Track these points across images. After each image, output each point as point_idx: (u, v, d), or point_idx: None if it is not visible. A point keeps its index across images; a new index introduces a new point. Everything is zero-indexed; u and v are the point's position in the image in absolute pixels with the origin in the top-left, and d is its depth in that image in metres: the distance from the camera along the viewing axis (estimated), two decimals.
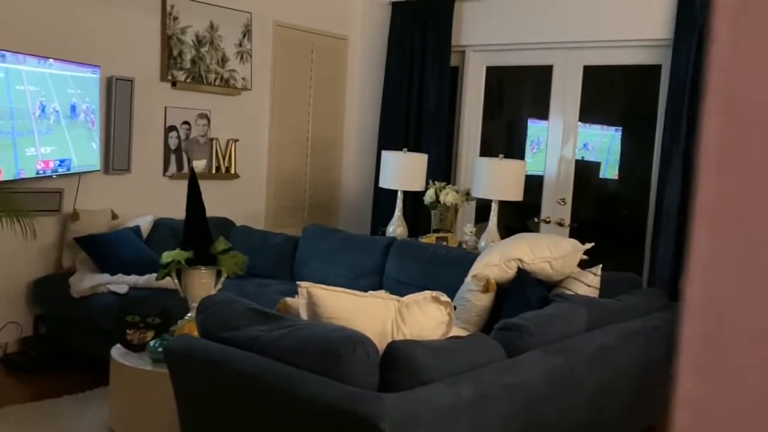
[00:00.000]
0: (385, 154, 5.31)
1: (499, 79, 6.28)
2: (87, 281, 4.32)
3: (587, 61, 5.52)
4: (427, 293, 2.52)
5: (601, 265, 3.58)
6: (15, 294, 4.58)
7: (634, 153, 6.15)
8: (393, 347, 2.22)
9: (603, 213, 6.50)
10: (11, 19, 4.35)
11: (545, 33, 5.55)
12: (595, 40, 5.36)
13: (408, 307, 2.47)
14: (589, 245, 3.68)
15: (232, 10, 5.52)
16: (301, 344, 2.21)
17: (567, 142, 5.64)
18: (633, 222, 5.60)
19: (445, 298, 2.53)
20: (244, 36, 5.62)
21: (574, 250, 3.62)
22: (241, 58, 5.62)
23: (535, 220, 5.67)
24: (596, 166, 6.54)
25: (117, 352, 3.26)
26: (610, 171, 6.31)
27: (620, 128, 6.30)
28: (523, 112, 6.67)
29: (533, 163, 5.86)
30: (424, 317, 2.48)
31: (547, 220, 5.61)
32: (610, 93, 6.28)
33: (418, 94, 6.06)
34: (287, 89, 6.05)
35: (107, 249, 4.50)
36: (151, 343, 3.18)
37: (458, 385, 2.20)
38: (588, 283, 3.48)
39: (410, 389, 2.11)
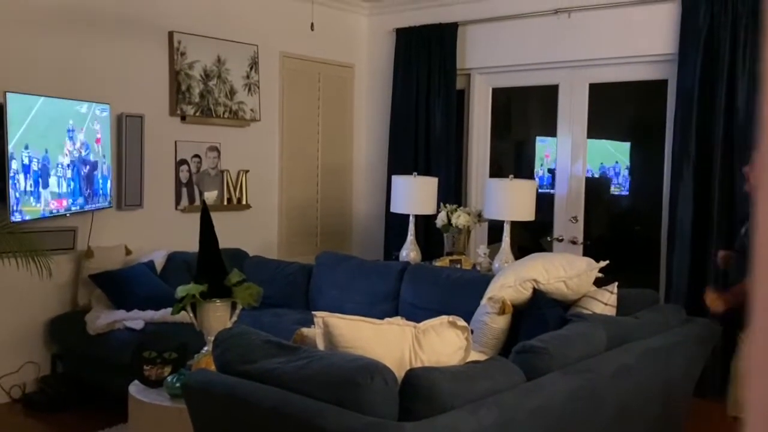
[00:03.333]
0: (395, 178, 5.31)
1: (505, 100, 6.30)
2: (103, 318, 4.32)
3: (593, 78, 5.53)
4: (444, 318, 2.50)
5: (617, 283, 3.55)
6: (32, 333, 4.59)
7: (644, 168, 6.13)
8: (412, 375, 2.20)
9: (616, 229, 6.47)
10: (21, 60, 4.41)
11: (549, 53, 5.57)
12: (599, 57, 5.37)
13: (425, 333, 2.46)
14: (603, 263, 3.65)
15: (238, 43, 5.57)
16: (319, 375, 2.19)
17: (576, 160, 5.63)
18: (646, 237, 5.58)
19: (462, 322, 2.51)
20: (251, 68, 5.66)
21: (589, 268, 3.59)
22: (249, 89, 5.66)
23: (548, 239, 5.65)
24: (606, 182, 6.52)
25: (135, 388, 3.24)
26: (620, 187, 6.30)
27: (629, 144, 6.29)
28: (531, 132, 6.68)
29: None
30: (441, 343, 2.46)
31: (560, 238, 5.59)
32: (618, 109, 6.28)
33: (425, 118, 6.08)
34: (296, 118, 6.09)
35: (122, 285, 4.51)
36: (169, 378, 3.16)
37: (480, 411, 2.17)
38: (605, 302, 3.45)
39: (431, 417, 2.09)
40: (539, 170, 6.18)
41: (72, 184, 4.39)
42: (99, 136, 4.61)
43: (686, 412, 3.57)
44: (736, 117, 4.66)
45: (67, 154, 4.33)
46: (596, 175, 6.02)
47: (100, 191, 4.66)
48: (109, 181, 4.71)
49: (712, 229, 4.74)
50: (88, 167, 4.52)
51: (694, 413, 3.72)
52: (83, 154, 4.47)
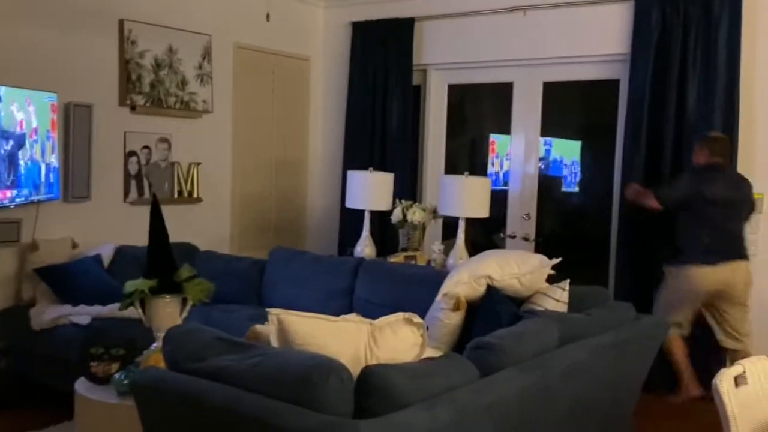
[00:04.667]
0: (350, 174, 5.28)
1: (461, 96, 6.32)
2: (48, 313, 4.21)
3: (547, 77, 5.59)
4: (400, 315, 2.49)
5: (568, 280, 3.59)
6: None
7: (595, 166, 6.22)
8: (367, 372, 2.18)
9: (567, 227, 6.55)
10: None
11: (504, 51, 5.60)
12: (553, 56, 5.43)
13: (381, 330, 2.44)
14: (556, 260, 3.69)
15: (191, 33, 5.47)
16: (273, 373, 2.16)
17: (529, 157, 5.68)
18: (597, 235, 5.66)
19: (417, 319, 2.50)
20: (203, 58, 5.57)
21: (542, 265, 3.63)
22: (202, 80, 5.56)
23: (501, 235, 5.69)
24: (559, 180, 6.59)
25: (81, 385, 3.16)
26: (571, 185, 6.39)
27: (581, 142, 6.38)
28: (486, 129, 6.71)
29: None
30: (397, 340, 2.45)
31: (513, 235, 5.63)
32: (571, 108, 6.36)
33: (381, 113, 6.06)
34: (249, 111, 6.01)
35: (68, 279, 4.39)
36: (117, 375, 3.10)
37: (435, 408, 2.16)
38: (557, 298, 3.49)
39: (386, 415, 2.08)
40: (504, 163, 6.16)
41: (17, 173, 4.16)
42: (35, 124, 4.39)
43: (634, 407, 3.63)
44: (686, 117, 4.75)
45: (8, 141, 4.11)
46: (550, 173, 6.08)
47: (33, 179, 4.39)
48: (42, 167, 4.44)
49: (661, 227, 4.83)
50: (11, 143, 4.20)
51: (641, 408, 3.80)
52: (25, 141, 4.23)
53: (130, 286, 3.15)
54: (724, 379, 2.17)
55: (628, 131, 4.98)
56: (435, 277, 4.00)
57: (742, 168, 4.62)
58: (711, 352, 4.59)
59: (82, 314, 4.19)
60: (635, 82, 4.93)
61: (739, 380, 2.24)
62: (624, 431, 3.55)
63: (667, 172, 4.80)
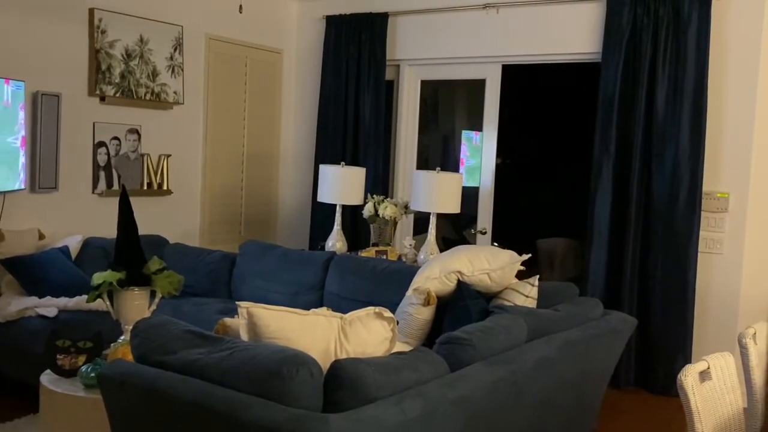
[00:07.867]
0: (322, 168, 5.27)
1: (433, 92, 6.34)
2: (14, 305, 4.15)
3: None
4: (370, 309, 2.49)
5: (538, 276, 3.63)
6: None
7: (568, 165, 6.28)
8: (337, 366, 2.18)
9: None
10: None
11: (477, 47, 5.62)
12: (526, 54, 5.46)
13: (351, 324, 2.44)
14: (526, 256, 3.72)
15: (162, 23, 5.41)
16: (243, 367, 2.15)
17: (501, 153, 5.71)
18: (566, 231, 5.72)
19: (388, 313, 2.51)
20: (175, 49, 5.51)
21: (512, 261, 3.65)
22: (173, 71, 5.50)
23: (472, 231, 5.72)
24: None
25: (47, 378, 3.12)
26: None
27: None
28: (458, 125, 6.74)
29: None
30: (367, 334, 2.45)
31: (484, 231, 5.66)
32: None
33: (354, 108, 6.05)
34: (221, 103, 5.96)
35: (34, 271, 4.33)
36: (83, 368, 3.06)
37: (404, 402, 2.17)
38: (526, 294, 3.51)
39: (356, 409, 2.08)
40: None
41: None
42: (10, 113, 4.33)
43: (601, 402, 3.68)
44: (655, 118, 4.81)
45: None
46: None
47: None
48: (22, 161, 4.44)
49: (629, 226, 4.89)
50: None
51: (608, 403, 3.85)
52: None
53: (97, 278, 3.11)
54: (689, 375, 2.21)
55: (598, 130, 5.02)
56: (406, 272, 4.01)
57: (709, 168, 4.69)
58: None
59: (49, 306, 4.13)
60: (606, 82, 4.98)
61: (703, 376, 2.28)
62: (590, 425, 3.60)
63: (635, 172, 4.85)
